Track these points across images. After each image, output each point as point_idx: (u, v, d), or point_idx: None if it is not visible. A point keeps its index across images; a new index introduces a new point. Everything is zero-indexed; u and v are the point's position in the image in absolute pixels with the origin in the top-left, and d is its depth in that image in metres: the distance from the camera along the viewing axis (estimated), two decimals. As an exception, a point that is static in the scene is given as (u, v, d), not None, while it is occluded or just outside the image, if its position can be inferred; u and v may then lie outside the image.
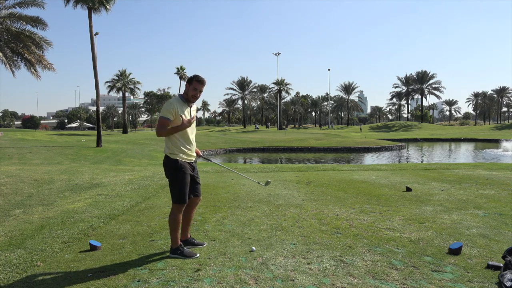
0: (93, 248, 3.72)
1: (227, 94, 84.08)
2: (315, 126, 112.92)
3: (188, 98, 3.52)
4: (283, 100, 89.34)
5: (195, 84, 3.47)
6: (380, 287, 2.84)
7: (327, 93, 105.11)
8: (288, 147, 31.77)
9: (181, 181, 3.50)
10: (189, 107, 3.55)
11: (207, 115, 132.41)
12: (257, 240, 3.98)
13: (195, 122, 3.61)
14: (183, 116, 3.43)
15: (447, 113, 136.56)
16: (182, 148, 3.52)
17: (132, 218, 5.03)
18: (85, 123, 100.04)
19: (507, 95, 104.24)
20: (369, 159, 25.04)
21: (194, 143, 3.66)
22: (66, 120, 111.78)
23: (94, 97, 30.57)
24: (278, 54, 67.63)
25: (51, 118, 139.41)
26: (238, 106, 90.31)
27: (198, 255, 3.52)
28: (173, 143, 3.49)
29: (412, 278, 2.98)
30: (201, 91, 3.53)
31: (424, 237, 4.00)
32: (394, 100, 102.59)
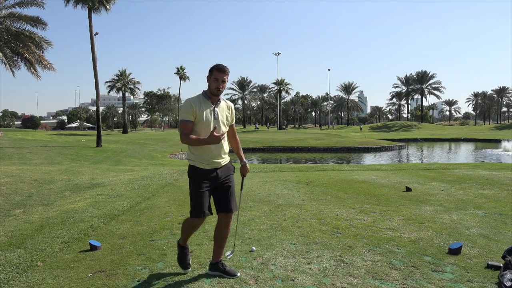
0: (93, 248, 3.72)
1: (227, 94, 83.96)
2: (315, 126, 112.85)
3: (212, 92, 2.99)
4: (283, 100, 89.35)
5: (215, 74, 2.96)
6: (380, 287, 2.84)
7: (327, 93, 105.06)
8: (288, 147, 31.77)
9: (196, 188, 2.95)
10: (213, 105, 3.00)
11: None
12: (257, 240, 3.98)
13: (224, 119, 3.07)
14: (205, 116, 2.95)
15: (447, 113, 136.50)
16: (201, 153, 2.97)
17: (132, 218, 5.03)
18: (85, 123, 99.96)
19: (507, 95, 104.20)
20: (369, 159, 25.03)
21: (224, 145, 3.07)
22: (66, 120, 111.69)
23: (94, 97, 30.57)
24: (278, 54, 67.53)
25: (51, 118, 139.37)
26: (238, 106, 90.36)
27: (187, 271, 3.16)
28: (190, 149, 3.03)
29: (412, 278, 2.98)
30: (224, 81, 2.98)
31: (424, 237, 3.99)
32: (394, 100, 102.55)
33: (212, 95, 3.00)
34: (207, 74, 3.02)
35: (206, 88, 3.07)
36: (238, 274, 3.08)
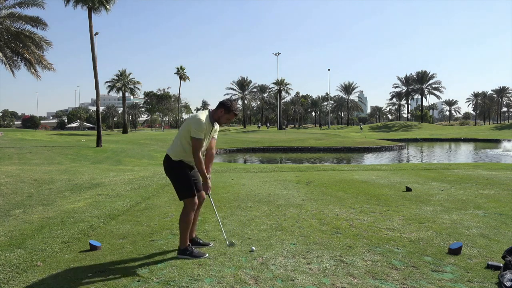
0: (93, 248, 3.72)
1: (227, 94, 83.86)
2: (315, 126, 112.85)
3: (218, 121, 3.61)
4: (283, 100, 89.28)
5: (232, 116, 3.59)
6: (380, 287, 2.84)
7: (327, 93, 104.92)
8: (288, 147, 31.77)
9: (184, 175, 3.56)
10: (212, 128, 3.59)
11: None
12: (257, 240, 3.98)
13: (209, 137, 3.69)
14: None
15: (447, 113, 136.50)
16: (188, 158, 3.57)
17: (132, 218, 5.03)
18: (85, 123, 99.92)
19: (507, 95, 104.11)
20: (369, 159, 25.04)
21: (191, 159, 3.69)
22: (66, 120, 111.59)
23: (94, 97, 30.55)
24: (278, 54, 67.60)
25: (51, 118, 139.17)
26: (238, 106, 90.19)
27: (207, 254, 3.53)
28: (181, 150, 3.54)
29: (412, 278, 2.98)
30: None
31: (424, 237, 3.99)
32: (394, 100, 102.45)
33: (215, 122, 3.60)
34: (220, 107, 3.56)
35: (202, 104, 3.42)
36: (206, 255, 3.51)
